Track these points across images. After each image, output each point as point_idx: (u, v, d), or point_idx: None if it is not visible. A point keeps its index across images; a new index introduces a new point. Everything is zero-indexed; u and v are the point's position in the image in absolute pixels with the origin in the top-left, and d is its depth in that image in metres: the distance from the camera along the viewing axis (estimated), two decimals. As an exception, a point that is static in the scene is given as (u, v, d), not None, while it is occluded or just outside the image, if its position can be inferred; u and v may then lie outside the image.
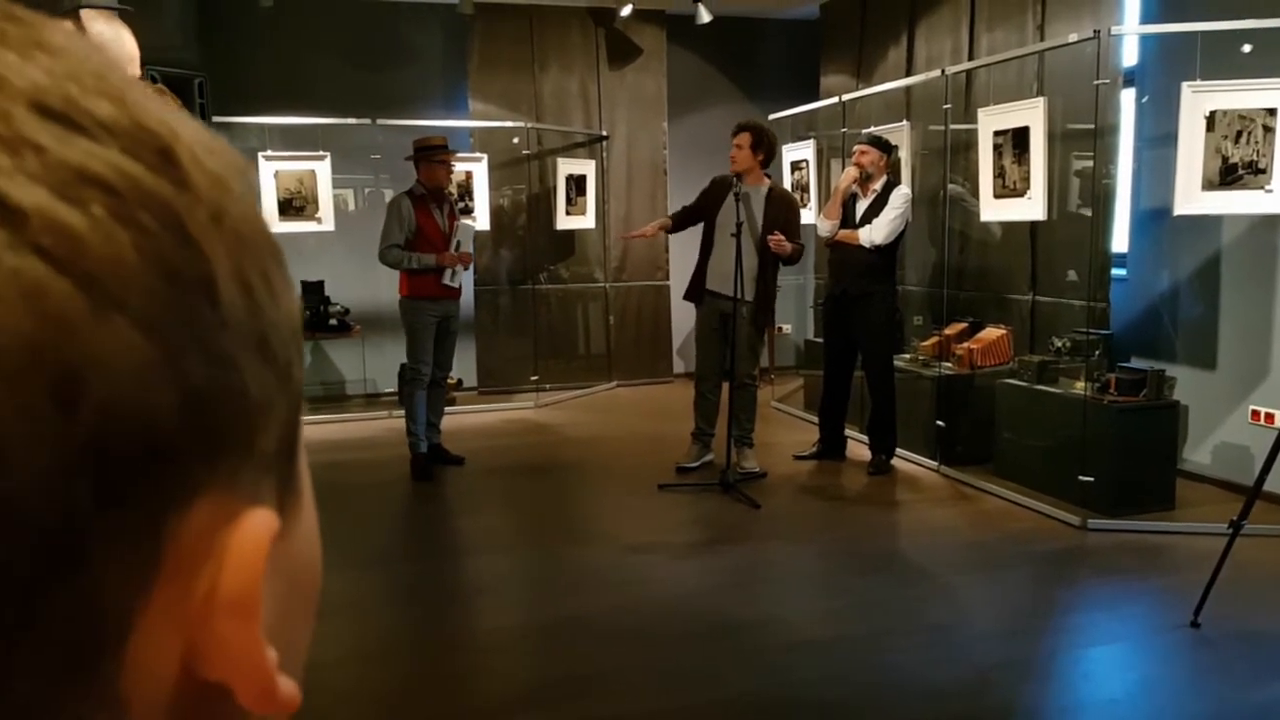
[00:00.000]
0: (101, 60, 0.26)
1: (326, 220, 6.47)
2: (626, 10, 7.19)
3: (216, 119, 5.32)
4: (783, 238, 5.01)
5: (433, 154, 5.23)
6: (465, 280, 6.79)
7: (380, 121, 6.73)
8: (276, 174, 6.38)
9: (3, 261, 0.21)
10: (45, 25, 0.25)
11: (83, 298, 0.22)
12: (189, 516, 0.24)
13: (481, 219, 7.02)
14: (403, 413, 5.54)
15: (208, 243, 0.25)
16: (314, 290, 6.70)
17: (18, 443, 0.21)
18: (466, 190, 6.97)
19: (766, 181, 5.21)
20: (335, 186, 6.65)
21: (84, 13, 1.21)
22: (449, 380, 5.80)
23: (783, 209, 5.16)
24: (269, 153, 6.38)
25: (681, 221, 5.40)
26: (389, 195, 6.06)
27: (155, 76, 1.33)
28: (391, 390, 7.12)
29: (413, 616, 3.60)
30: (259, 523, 0.26)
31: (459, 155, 6.80)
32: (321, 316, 6.72)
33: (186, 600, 0.25)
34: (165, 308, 0.23)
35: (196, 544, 0.25)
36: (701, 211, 5.26)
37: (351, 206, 7.48)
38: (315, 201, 6.45)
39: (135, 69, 1.24)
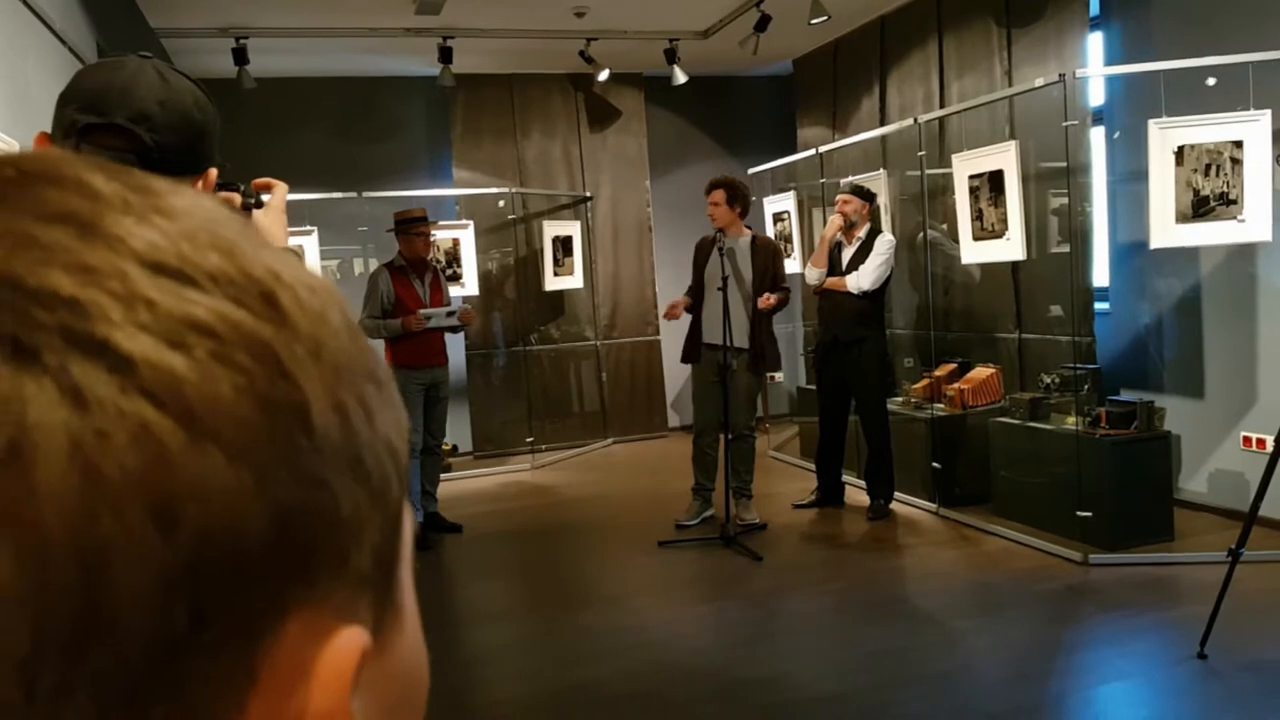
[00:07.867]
0: (218, 216, 0.29)
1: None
2: (604, 75, 7.34)
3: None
4: (772, 300, 5.09)
5: (411, 226, 5.34)
6: (456, 345, 6.83)
7: (367, 194, 6.82)
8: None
9: (114, 404, 0.24)
10: (169, 192, 0.28)
11: (182, 432, 0.24)
12: (283, 635, 0.26)
13: (470, 284, 7.08)
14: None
15: (303, 375, 0.27)
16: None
17: (123, 563, 0.23)
18: (454, 257, 7.04)
19: (748, 233, 5.30)
20: (324, 259, 6.70)
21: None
22: (444, 447, 5.81)
23: (768, 257, 5.26)
24: (257, 230, 6.43)
25: (695, 295, 5.36)
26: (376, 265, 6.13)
27: (239, 187, 1.45)
28: (387, 459, 7.10)
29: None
30: (348, 642, 0.27)
31: (445, 224, 6.91)
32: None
33: (281, 717, 0.26)
34: (258, 436, 0.25)
35: (290, 662, 0.26)
36: (698, 277, 5.33)
37: (339, 278, 7.54)
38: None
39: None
